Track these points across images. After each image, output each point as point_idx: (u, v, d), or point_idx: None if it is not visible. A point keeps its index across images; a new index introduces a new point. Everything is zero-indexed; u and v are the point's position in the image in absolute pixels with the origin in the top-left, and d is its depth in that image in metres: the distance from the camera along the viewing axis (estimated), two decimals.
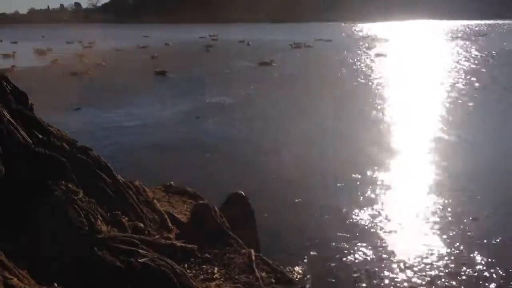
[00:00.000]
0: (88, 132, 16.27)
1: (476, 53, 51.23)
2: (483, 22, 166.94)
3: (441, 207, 9.85)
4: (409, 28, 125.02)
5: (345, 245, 8.22)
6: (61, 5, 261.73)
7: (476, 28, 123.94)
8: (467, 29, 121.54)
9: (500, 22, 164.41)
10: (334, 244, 8.28)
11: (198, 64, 41.53)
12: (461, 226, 8.90)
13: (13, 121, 5.02)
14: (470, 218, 9.23)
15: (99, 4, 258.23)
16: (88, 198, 4.97)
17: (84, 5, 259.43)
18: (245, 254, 5.63)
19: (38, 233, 4.51)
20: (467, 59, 44.53)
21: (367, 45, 65.39)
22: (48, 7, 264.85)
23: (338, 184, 11.17)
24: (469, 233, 8.63)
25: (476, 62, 41.16)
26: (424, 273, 7.31)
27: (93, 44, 70.40)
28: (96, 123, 18.51)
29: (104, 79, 32.12)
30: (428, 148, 14.47)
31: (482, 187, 10.97)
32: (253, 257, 5.52)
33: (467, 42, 70.10)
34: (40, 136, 5.24)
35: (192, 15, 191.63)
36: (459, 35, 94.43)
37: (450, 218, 9.31)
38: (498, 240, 8.35)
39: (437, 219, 9.26)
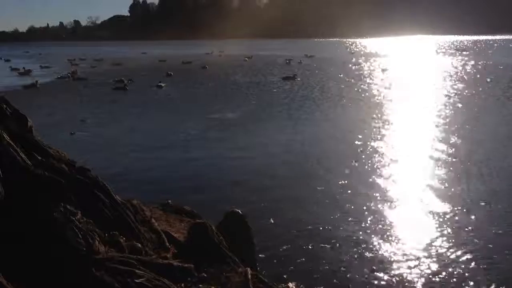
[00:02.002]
0: (89, 147, 16.45)
1: (473, 65, 51.77)
2: (477, 38, 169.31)
3: (442, 216, 9.95)
4: (402, 43, 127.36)
5: (343, 262, 8.24)
6: (61, 23, 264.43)
7: (466, 44, 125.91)
8: (462, 44, 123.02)
9: (491, 37, 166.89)
10: (331, 260, 8.30)
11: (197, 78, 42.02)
12: (464, 234, 8.97)
13: (12, 144, 5.12)
14: (477, 233, 9.24)
15: (99, 22, 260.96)
16: (86, 219, 5.03)
17: (84, 22, 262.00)
18: (241, 273, 5.67)
19: (37, 254, 4.57)
20: (463, 71, 45.01)
21: (355, 59, 66.73)
22: (48, 25, 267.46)
23: (337, 199, 11.22)
24: (475, 244, 8.70)
25: (472, 74, 41.61)
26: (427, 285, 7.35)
27: (101, 61, 71.80)
28: (95, 138, 18.62)
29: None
30: (428, 157, 14.76)
31: (486, 191, 11.27)
32: (249, 276, 5.57)
33: (462, 56, 70.90)
34: (39, 158, 5.33)
35: (190, 32, 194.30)
36: (451, 50, 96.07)
37: (451, 225, 9.40)
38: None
39: (437, 229, 9.34)
